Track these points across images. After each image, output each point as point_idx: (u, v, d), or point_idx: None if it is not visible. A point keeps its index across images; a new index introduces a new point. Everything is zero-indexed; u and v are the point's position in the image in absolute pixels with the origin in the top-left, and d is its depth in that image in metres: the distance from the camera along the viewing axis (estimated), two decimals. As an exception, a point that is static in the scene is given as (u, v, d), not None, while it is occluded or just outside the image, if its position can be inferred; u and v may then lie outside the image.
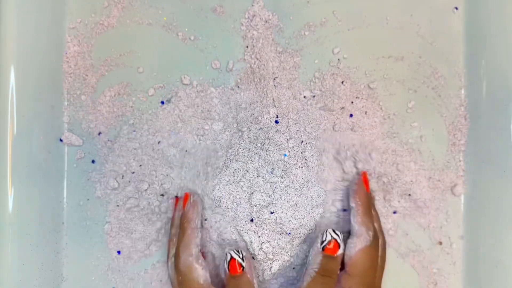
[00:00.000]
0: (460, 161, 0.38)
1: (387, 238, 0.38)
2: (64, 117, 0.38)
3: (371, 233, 0.34)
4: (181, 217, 0.35)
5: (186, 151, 0.37)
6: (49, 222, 0.36)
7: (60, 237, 0.37)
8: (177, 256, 0.34)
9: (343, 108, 0.37)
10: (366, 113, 0.38)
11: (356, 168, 0.37)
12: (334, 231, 0.34)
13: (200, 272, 0.33)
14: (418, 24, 0.38)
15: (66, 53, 0.37)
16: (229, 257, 0.34)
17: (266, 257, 0.36)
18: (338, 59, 0.38)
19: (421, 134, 0.38)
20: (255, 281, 0.34)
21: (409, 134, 0.38)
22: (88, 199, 0.38)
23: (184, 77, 0.37)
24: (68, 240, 0.37)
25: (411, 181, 0.37)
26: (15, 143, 0.34)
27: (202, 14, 0.38)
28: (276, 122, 0.36)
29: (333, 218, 0.37)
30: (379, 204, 0.38)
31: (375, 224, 0.35)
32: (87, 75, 0.38)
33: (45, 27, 0.36)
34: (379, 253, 0.34)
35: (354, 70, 0.38)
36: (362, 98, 0.38)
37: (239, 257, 0.34)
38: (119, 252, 0.38)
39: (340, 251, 0.33)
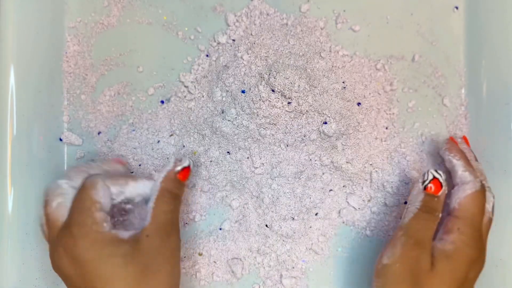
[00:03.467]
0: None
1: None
2: (63, 117, 0.37)
3: (478, 180, 0.33)
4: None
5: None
6: (49, 222, 0.36)
7: (60, 237, 0.37)
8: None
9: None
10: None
11: None
12: (436, 171, 0.33)
13: (101, 192, 0.31)
14: (418, 24, 0.38)
15: (66, 53, 0.37)
16: (186, 164, 0.33)
17: None
18: (337, 60, 0.38)
19: (421, 133, 0.38)
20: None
21: (410, 133, 0.38)
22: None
23: (183, 75, 0.37)
24: (68, 240, 0.37)
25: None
26: (15, 142, 0.34)
27: (202, 13, 0.38)
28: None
29: None
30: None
31: (481, 177, 0.35)
32: (87, 75, 0.38)
33: (45, 26, 0.36)
34: (490, 208, 0.34)
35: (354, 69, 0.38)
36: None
37: (191, 168, 0.34)
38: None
39: (442, 191, 0.33)
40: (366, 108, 0.37)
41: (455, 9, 0.38)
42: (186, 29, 0.38)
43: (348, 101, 0.37)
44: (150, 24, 0.38)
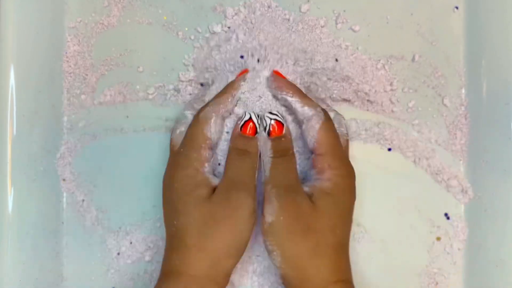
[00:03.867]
0: (460, 160, 0.38)
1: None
2: (64, 117, 0.37)
3: (319, 109, 0.33)
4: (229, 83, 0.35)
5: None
6: (49, 222, 0.36)
7: (60, 237, 0.37)
8: (202, 107, 0.34)
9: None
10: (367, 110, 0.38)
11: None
12: (270, 112, 0.34)
13: (213, 128, 0.33)
14: (418, 24, 0.38)
15: (66, 53, 0.37)
16: (247, 117, 0.34)
17: None
18: (336, 59, 0.38)
19: (421, 133, 0.38)
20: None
21: (410, 133, 0.38)
22: (88, 199, 0.38)
23: (182, 74, 0.37)
24: (68, 240, 0.37)
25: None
26: (15, 142, 0.34)
27: (202, 13, 0.38)
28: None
29: None
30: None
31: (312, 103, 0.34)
32: (87, 75, 0.38)
33: (45, 26, 0.36)
34: (344, 130, 0.35)
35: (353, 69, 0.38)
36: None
37: (257, 121, 0.34)
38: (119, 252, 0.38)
39: (285, 128, 0.33)
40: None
41: (455, 9, 0.38)
42: (186, 29, 0.38)
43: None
44: (150, 24, 0.38)
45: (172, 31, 0.38)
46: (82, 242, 0.37)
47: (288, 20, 0.37)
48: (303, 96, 0.34)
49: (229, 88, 0.35)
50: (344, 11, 0.38)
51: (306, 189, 0.32)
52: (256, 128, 0.34)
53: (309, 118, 0.33)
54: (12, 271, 0.34)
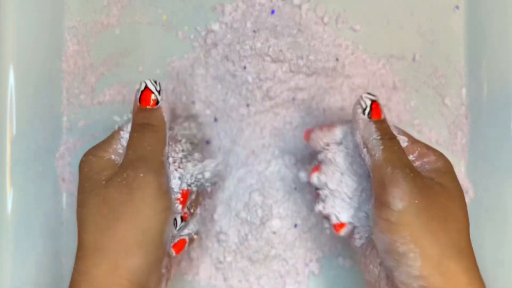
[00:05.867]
0: (461, 160, 0.38)
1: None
2: (63, 117, 0.37)
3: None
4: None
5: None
6: (49, 222, 0.36)
7: (60, 237, 0.37)
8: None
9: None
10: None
11: None
12: (368, 93, 0.30)
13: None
14: (418, 23, 0.38)
15: (65, 52, 0.37)
16: (143, 86, 0.29)
17: None
18: (337, 59, 0.37)
19: (421, 133, 0.38)
20: (166, 118, 0.29)
21: (410, 133, 0.38)
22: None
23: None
24: (68, 240, 0.37)
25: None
26: (15, 142, 0.34)
27: (202, 13, 0.38)
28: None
29: None
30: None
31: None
32: (86, 75, 0.37)
33: (44, 26, 0.36)
34: None
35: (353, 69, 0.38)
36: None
37: (156, 89, 0.29)
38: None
39: (383, 114, 0.29)
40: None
41: (456, 9, 0.38)
42: (186, 29, 0.38)
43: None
44: (149, 24, 0.38)
45: (172, 31, 0.38)
46: (82, 242, 0.37)
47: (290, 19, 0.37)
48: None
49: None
50: (345, 10, 0.38)
51: None
52: (156, 98, 0.29)
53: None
54: (12, 271, 0.34)
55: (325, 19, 0.37)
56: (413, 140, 0.30)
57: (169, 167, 0.29)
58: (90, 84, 0.37)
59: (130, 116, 0.30)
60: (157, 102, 0.29)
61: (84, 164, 0.28)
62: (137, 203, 0.25)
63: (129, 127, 0.29)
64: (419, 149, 0.29)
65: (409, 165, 0.27)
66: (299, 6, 0.37)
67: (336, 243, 0.37)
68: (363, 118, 0.29)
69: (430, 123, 0.38)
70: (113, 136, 0.30)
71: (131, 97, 0.37)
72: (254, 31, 0.36)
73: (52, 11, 0.37)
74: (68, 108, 0.37)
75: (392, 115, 0.38)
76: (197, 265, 0.37)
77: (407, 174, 0.26)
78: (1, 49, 0.34)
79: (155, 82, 0.29)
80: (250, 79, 0.36)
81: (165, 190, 0.26)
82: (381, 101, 0.37)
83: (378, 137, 0.28)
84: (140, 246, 0.25)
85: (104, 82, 0.38)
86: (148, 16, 0.38)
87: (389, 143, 0.28)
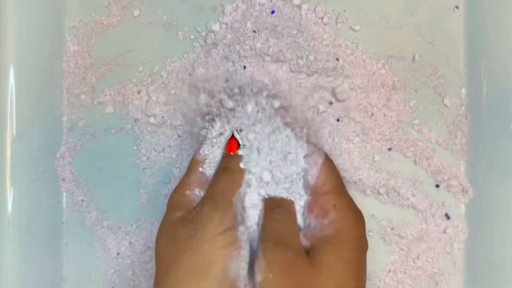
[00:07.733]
0: (460, 160, 0.38)
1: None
2: (63, 117, 0.37)
3: (319, 146, 0.30)
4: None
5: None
6: (49, 222, 0.36)
7: (60, 237, 0.37)
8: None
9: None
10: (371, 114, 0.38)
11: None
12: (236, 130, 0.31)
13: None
14: (418, 23, 0.38)
15: (66, 52, 0.37)
16: (230, 135, 0.31)
17: None
18: (337, 59, 0.38)
19: (421, 133, 0.38)
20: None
21: (410, 133, 0.38)
22: (88, 199, 0.38)
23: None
24: (68, 240, 0.37)
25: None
26: (15, 143, 0.34)
27: (202, 13, 0.38)
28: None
29: None
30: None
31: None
32: (87, 75, 0.38)
33: (45, 26, 0.36)
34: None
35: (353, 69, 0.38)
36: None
37: (240, 137, 0.31)
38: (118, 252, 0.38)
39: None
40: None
41: (455, 9, 0.38)
42: (186, 29, 0.38)
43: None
44: (150, 24, 0.38)
45: (172, 31, 0.38)
46: (82, 242, 0.37)
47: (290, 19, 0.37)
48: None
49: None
50: (344, 11, 0.38)
51: (304, 242, 0.28)
52: (238, 143, 0.30)
53: (309, 153, 0.30)
54: (12, 271, 0.34)
55: (325, 19, 0.37)
56: (326, 190, 0.29)
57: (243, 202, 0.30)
58: (91, 84, 0.38)
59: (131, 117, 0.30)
60: (238, 147, 0.31)
61: (168, 202, 0.30)
62: (198, 238, 0.27)
63: (209, 160, 0.31)
64: (324, 206, 0.28)
65: (274, 239, 0.27)
66: (299, 6, 0.37)
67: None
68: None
69: (429, 123, 0.38)
70: (191, 170, 0.31)
71: (131, 97, 0.38)
72: (254, 31, 0.37)
73: (53, 11, 0.37)
74: (68, 108, 0.38)
75: (391, 115, 0.38)
76: None
77: (267, 249, 0.26)
78: (2, 49, 0.34)
79: (240, 131, 0.31)
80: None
81: (227, 227, 0.27)
82: (381, 101, 0.37)
83: (263, 207, 0.29)
84: (200, 280, 0.26)
85: (105, 82, 0.38)
86: (148, 16, 0.38)
87: (270, 214, 0.28)
